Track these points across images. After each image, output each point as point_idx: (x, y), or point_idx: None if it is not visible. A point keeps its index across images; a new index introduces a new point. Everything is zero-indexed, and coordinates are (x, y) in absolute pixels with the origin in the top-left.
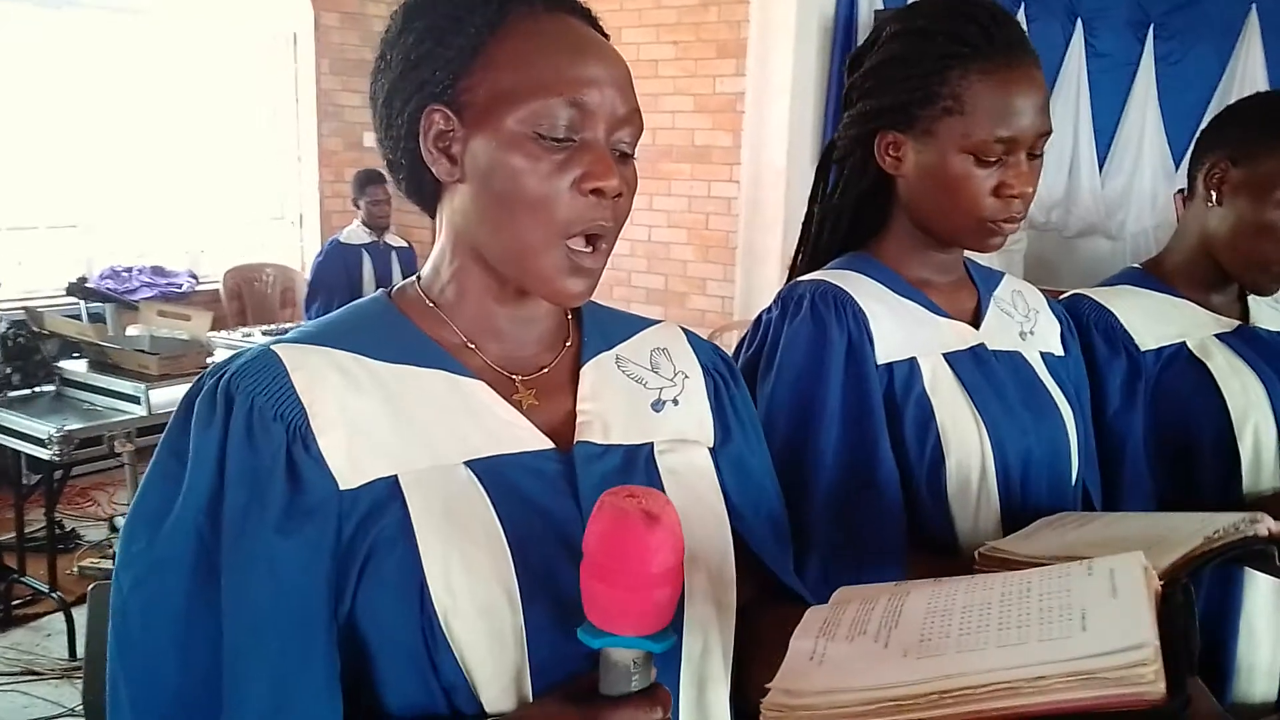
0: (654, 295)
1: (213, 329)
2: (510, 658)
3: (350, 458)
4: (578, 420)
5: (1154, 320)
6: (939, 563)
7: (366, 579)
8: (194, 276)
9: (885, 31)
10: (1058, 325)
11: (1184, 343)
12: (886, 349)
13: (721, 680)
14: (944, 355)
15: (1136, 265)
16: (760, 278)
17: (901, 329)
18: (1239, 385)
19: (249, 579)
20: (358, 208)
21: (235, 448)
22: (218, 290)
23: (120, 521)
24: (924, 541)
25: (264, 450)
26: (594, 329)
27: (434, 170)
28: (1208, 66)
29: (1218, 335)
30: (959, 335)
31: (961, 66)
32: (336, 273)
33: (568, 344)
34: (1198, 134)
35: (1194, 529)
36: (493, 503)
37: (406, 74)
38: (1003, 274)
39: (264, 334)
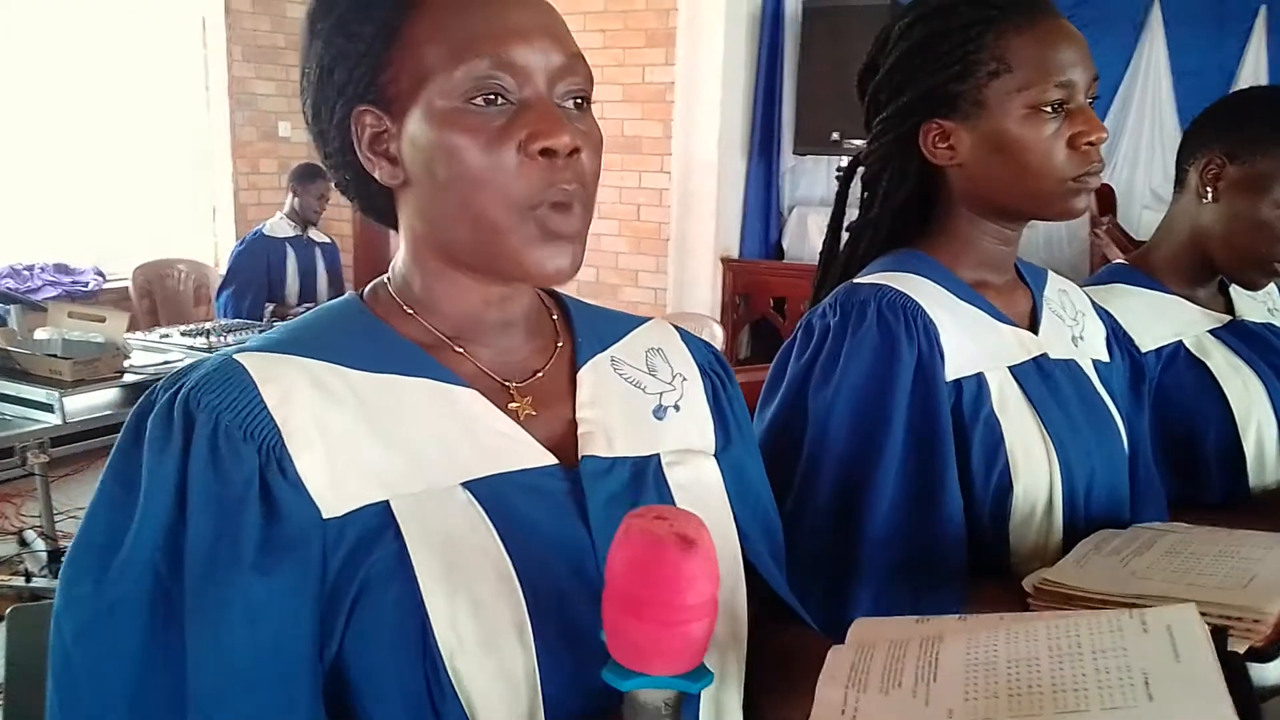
0: (586, 288)
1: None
2: (522, 700)
3: (333, 482)
4: (579, 431)
5: (1150, 319)
6: (995, 591)
7: (358, 619)
8: (101, 274)
9: (897, 28)
10: (1103, 328)
11: (1181, 342)
12: (955, 364)
13: (737, 713)
14: (1010, 369)
15: (1122, 261)
16: (692, 269)
17: (969, 340)
18: (1240, 383)
19: (220, 625)
20: (295, 196)
21: (198, 473)
22: (126, 288)
23: (31, 536)
24: (976, 567)
25: (233, 475)
26: (585, 329)
27: (376, 176)
28: (1111, 59)
29: (1211, 331)
30: (1022, 344)
31: (995, 28)
32: (257, 265)
33: (560, 345)
34: (1190, 127)
35: (1278, 556)
36: (496, 529)
37: (324, 81)
38: (1046, 271)
39: (182, 334)
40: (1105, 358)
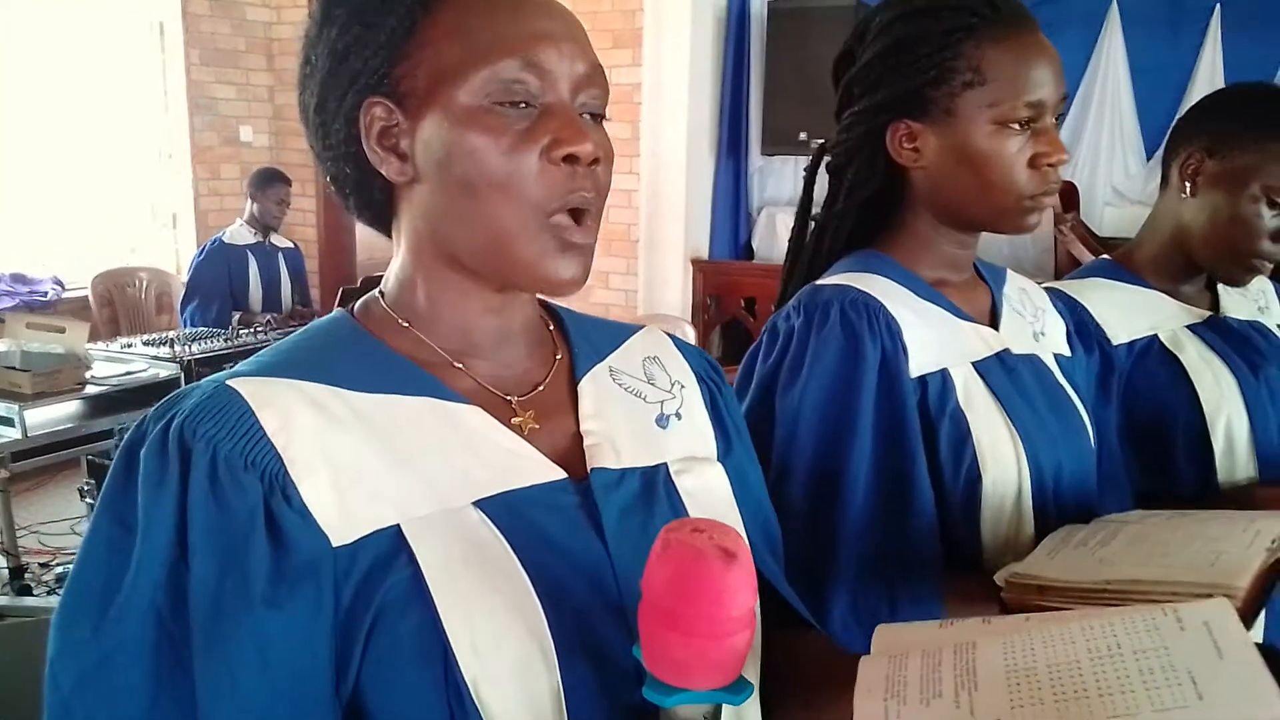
0: None
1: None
2: None
3: (341, 508)
4: (585, 443)
5: (1126, 313)
6: (969, 585)
7: (374, 649)
8: (59, 283)
9: (876, 20)
10: (1063, 324)
11: (1156, 335)
12: (919, 361)
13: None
14: (973, 364)
15: (1108, 256)
16: (662, 270)
17: (932, 337)
18: (1211, 377)
19: (233, 665)
20: (254, 202)
21: (199, 507)
22: (86, 297)
23: None
24: (950, 561)
25: (236, 507)
26: (581, 339)
27: (383, 171)
28: (1072, 58)
29: (1189, 326)
30: (984, 340)
31: (974, 37)
32: (218, 274)
33: (558, 357)
34: (1173, 125)
35: (1244, 539)
36: (512, 547)
37: (335, 69)
38: (1005, 270)
39: (145, 344)
40: (1067, 352)
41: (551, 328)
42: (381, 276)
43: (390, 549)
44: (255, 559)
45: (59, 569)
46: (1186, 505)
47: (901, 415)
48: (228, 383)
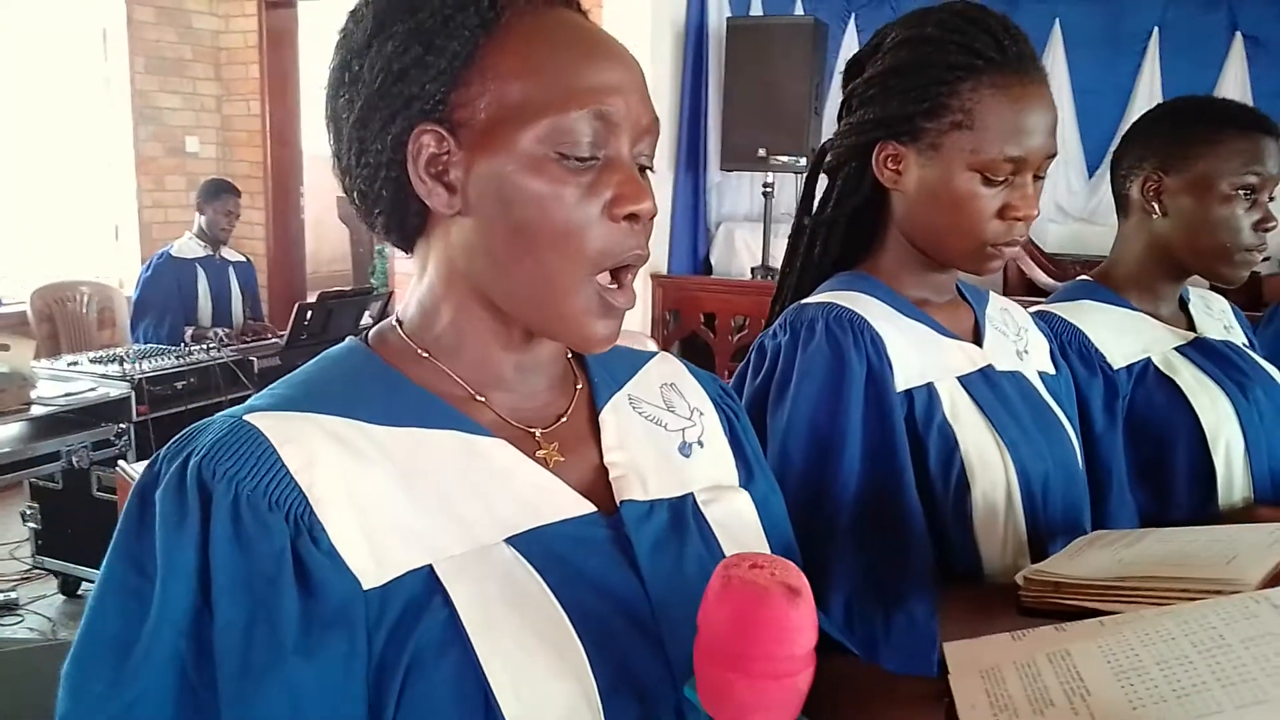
0: None
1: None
2: None
3: (371, 548)
4: (611, 475)
5: (1119, 336)
6: (963, 593)
7: (410, 697)
8: None
9: (890, 37)
10: (1046, 343)
11: (1150, 359)
12: (905, 375)
13: None
14: (958, 379)
15: (1087, 278)
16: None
17: (917, 353)
18: (1208, 400)
19: (266, 718)
20: (201, 214)
21: (222, 551)
22: (24, 313)
23: None
24: (949, 571)
25: (262, 550)
26: (599, 368)
27: (429, 202)
28: None
29: (1177, 348)
30: (968, 356)
31: (974, 79)
32: (168, 289)
33: (579, 387)
34: (1113, 152)
35: (1265, 540)
36: (549, 586)
37: (388, 88)
38: (988, 292)
39: (93, 361)
40: (1051, 370)
41: (569, 356)
42: (341, 291)
43: (424, 591)
44: (285, 605)
45: None
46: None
47: (889, 427)
48: (245, 418)
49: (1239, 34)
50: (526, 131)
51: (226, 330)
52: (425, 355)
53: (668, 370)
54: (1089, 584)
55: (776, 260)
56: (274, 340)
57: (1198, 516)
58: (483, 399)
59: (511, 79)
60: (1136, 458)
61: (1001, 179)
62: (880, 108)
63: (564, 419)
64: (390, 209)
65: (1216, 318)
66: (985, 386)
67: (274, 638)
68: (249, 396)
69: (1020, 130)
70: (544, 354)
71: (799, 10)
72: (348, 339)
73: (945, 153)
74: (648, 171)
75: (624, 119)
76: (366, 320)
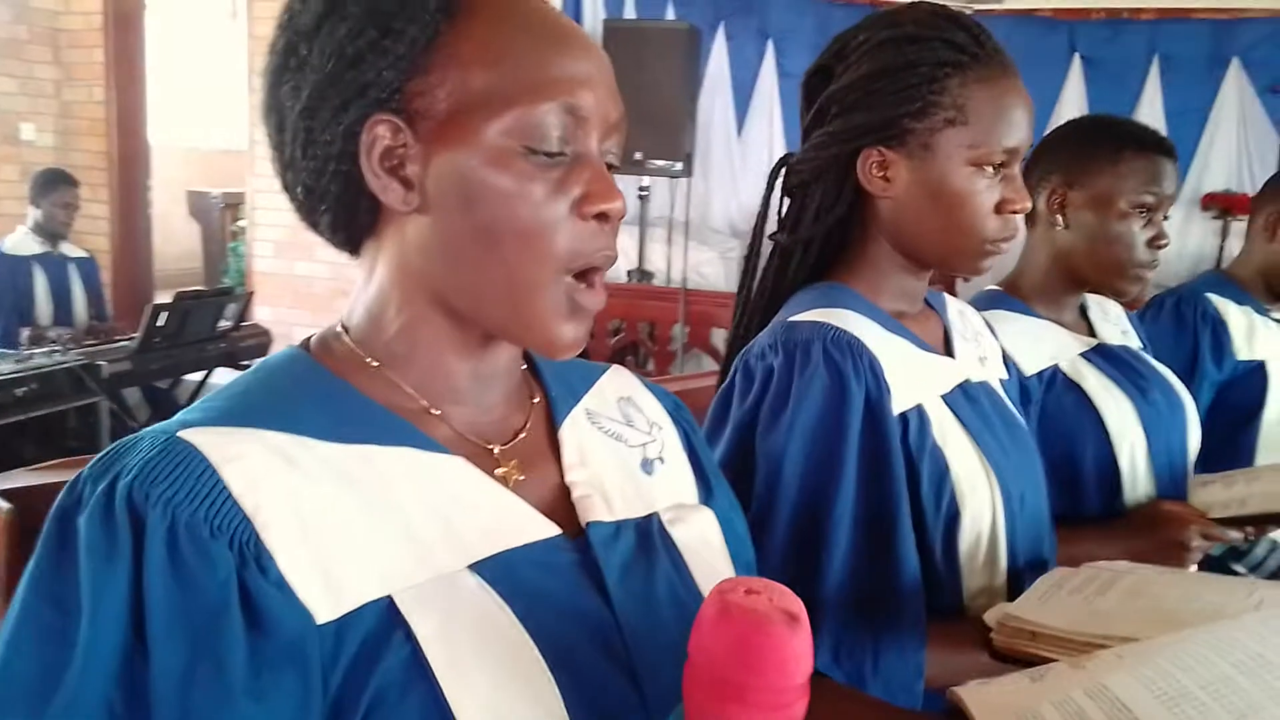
0: None
1: None
2: None
3: (324, 578)
4: (574, 494)
5: (1029, 345)
6: (952, 628)
7: None
8: None
9: (860, 39)
10: (998, 345)
11: (1057, 366)
12: (900, 399)
13: None
14: (942, 397)
15: (996, 287)
16: None
17: (906, 373)
18: (1113, 404)
19: None
20: (36, 207)
21: (158, 584)
22: None
23: None
24: (933, 602)
25: (204, 583)
26: (556, 380)
27: (383, 198)
28: None
29: (1082, 355)
30: (946, 371)
31: (960, 74)
32: (2, 288)
33: (535, 401)
34: (1026, 163)
35: (1247, 605)
36: (516, 615)
37: (340, 74)
38: (943, 293)
39: None
40: (1006, 375)
41: (525, 367)
42: (199, 291)
43: (384, 625)
44: (230, 644)
45: None
46: (1094, 525)
47: (886, 456)
48: (179, 434)
49: (1077, 55)
50: (491, 124)
51: (69, 331)
52: (374, 364)
53: (622, 384)
54: (1067, 637)
55: (652, 263)
56: (124, 343)
57: (1105, 513)
58: (438, 413)
59: (476, 67)
60: (1047, 460)
61: (996, 171)
62: (863, 113)
63: (522, 434)
64: (338, 205)
65: (1114, 323)
66: (966, 404)
67: (219, 681)
68: (98, 404)
69: (1012, 120)
70: (501, 362)
71: (670, 15)
72: (286, 347)
73: (940, 151)
74: (615, 171)
75: (593, 113)
76: (224, 324)
